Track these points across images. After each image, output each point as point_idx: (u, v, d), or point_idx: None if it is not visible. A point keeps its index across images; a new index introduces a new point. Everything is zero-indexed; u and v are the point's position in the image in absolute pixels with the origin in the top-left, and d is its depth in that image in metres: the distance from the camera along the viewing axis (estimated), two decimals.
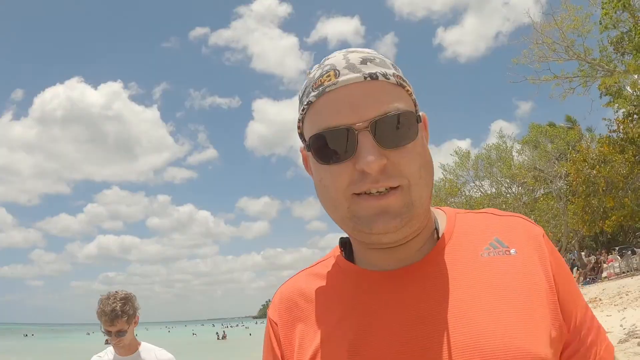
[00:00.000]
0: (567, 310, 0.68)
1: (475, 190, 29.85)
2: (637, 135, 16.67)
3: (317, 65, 0.73)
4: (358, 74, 0.65)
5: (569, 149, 23.53)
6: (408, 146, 0.65)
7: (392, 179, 0.64)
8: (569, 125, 28.22)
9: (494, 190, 28.61)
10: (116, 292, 2.52)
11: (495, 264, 0.69)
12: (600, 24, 16.83)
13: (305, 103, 0.70)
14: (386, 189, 0.64)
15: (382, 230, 0.64)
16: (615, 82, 16.87)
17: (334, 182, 0.66)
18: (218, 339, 49.31)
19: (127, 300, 2.48)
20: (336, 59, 0.69)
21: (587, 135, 27.43)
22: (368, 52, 0.71)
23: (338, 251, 0.80)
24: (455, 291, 0.67)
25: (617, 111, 18.93)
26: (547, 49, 18.24)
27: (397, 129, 0.64)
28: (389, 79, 0.66)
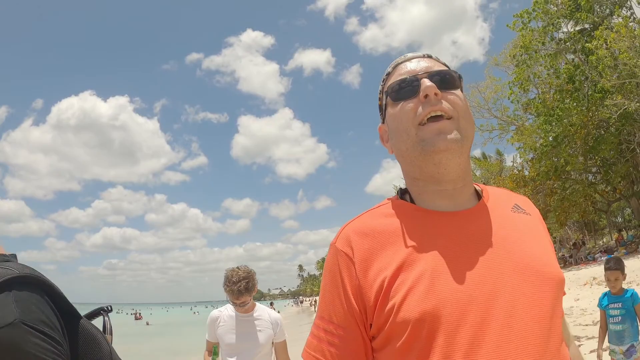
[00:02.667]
0: None
1: None
2: (535, 174, 22.84)
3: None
4: (419, 53, 0.91)
5: (492, 177, 29.66)
6: (454, 91, 0.84)
7: (446, 108, 0.81)
8: (498, 158, 34.51)
9: None
10: (238, 268, 2.75)
11: (521, 218, 0.87)
12: (511, 95, 21.75)
13: (385, 74, 0.93)
14: (442, 114, 0.80)
15: (442, 147, 0.78)
16: (519, 141, 22.37)
17: (405, 114, 0.83)
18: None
19: (249, 278, 2.71)
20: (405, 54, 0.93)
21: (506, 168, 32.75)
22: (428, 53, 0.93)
23: (395, 198, 0.90)
24: (503, 229, 0.82)
25: (522, 156, 24.29)
26: (473, 110, 24.17)
27: (447, 79, 0.84)
28: (438, 59, 0.91)
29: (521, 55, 19.55)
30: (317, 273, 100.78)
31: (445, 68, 0.88)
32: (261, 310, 2.89)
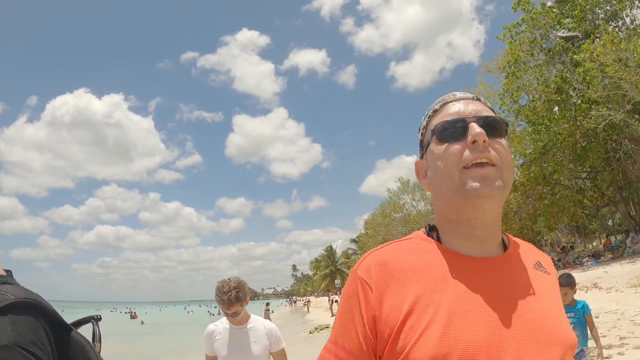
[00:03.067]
0: None
1: (412, 209, 37.07)
2: (524, 180, 23.29)
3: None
4: (469, 95, 0.89)
5: None
6: (501, 140, 0.83)
7: (492, 156, 0.80)
8: None
9: (428, 208, 34.97)
10: (229, 279, 2.77)
11: (542, 277, 0.87)
12: (502, 105, 21.67)
13: (431, 111, 0.91)
14: (488, 161, 0.79)
15: (486, 193, 0.77)
16: (509, 147, 22.53)
17: (451, 155, 0.82)
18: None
19: (240, 288, 2.71)
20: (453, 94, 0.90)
21: None
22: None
23: (422, 234, 0.89)
24: (525, 285, 0.81)
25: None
26: None
27: (494, 127, 0.83)
28: (486, 104, 0.89)
29: (510, 67, 19.92)
30: (310, 273, 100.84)
31: (493, 115, 0.87)
32: (256, 321, 2.92)
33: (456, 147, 0.82)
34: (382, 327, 0.77)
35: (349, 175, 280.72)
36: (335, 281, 76.26)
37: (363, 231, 52.29)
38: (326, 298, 45.41)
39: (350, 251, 74.40)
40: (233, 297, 2.70)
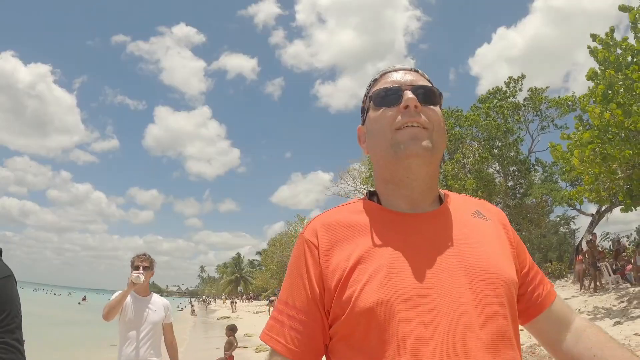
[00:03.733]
0: (522, 260, 0.95)
1: None
2: None
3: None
4: (407, 66, 0.97)
5: None
6: (433, 107, 0.90)
7: (423, 120, 0.87)
8: None
9: None
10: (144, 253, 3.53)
11: (480, 223, 0.93)
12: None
13: (372, 80, 0.98)
14: (418, 124, 0.86)
15: (413, 152, 0.84)
16: None
17: (384, 119, 0.89)
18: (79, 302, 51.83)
19: (153, 260, 3.54)
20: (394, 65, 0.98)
21: None
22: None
23: (363, 199, 0.96)
24: (459, 233, 0.88)
25: None
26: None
27: (428, 95, 0.90)
28: (424, 75, 0.97)
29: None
30: (216, 276, 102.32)
31: (429, 84, 0.94)
32: (156, 296, 3.63)
33: (390, 111, 0.89)
34: (329, 282, 0.83)
35: (263, 183, 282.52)
36: (239, 287, 79.26)
37: (267, 247, 56.19)
38: (231, 301, 47.96)
39: (255, 262, 77.53)
40: (148, 257, 3.52)
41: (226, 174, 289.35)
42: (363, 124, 1.00)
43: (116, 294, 3.36)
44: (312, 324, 0.84)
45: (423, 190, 0.90)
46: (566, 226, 29.64)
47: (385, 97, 0.91)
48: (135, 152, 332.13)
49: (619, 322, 8.40)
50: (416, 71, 0.96)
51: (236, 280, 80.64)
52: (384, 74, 0.96)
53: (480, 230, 0.91)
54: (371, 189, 0.99)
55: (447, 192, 0.98)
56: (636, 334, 7.29)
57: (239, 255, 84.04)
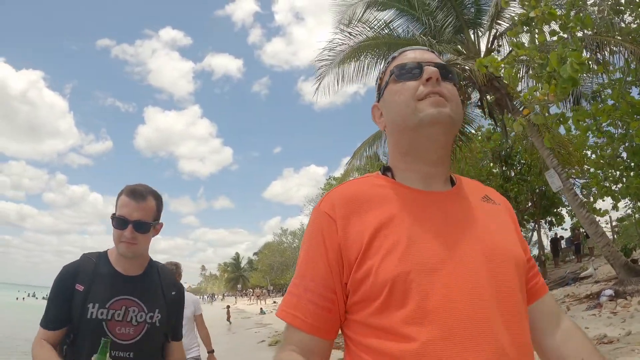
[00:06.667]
0: (524, 248, 0.95)
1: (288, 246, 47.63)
2: None
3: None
4: (424, 47, 0.99)
5: None
6: (454, 85, 0.92)
7: (444, 91, 0.89)
8: None
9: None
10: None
11: (489, 207, 0.94)
12: None
13: (391, 58, 0.99)
14: (440, 95, 0.87)
15: (437, 118, 0.85)
16: None
17: (406, 90, 0.90)
18: None
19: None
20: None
21: None
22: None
23: (377, 174, 0.96)
24: (473, 214, 0.89)
25: None
26: None
27: (448, 74, 0.92)
28: (440, 56, 0.99)
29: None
30: (217, 274, 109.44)
31: (445, 63, 0.94)
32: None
33: (412, 83, 0.90)
34: (348, 254, 0.82)
35: (255, 179, 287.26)
36: (238, 285, 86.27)
37: (262, 250, 63.47)
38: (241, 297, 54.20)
39: (253, 261, 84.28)
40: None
41: (219, 172, 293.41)
42: (378, 101, 1.01)
43: None
44: (330, 295, 0.84)
45: (438, 164, 0.92)
46: None
47: (406, 72, 0.92)
48: (127, 153, 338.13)
49: None
50: (433, 52, 0.99)
51: (236, 279, 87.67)
52: (403, 52, 0.98)
53: (493, 213, 0.94)
54: (385, 165, 0.99)
55: (458, 175, 1.00)
56: None
57: (238, 255, 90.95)
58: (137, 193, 1.67)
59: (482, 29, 11.66)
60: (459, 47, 11.69)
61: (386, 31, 11.74)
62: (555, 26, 5.31)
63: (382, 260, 0.79)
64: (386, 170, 0.97)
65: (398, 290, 0.77)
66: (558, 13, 5.29)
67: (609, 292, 8.48)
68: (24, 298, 62.57)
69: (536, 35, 5.32)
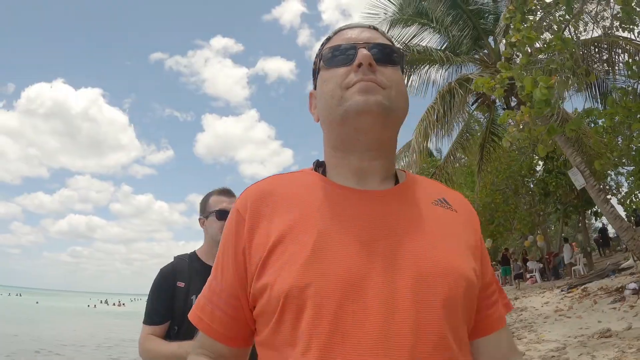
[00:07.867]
0: (485, 270, 0.82)
1: None
2: None
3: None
4: (365, 24, 0.87)
5: None
6: (393, 67, 0.80)
7: (379, 79, 0.76)
8: None
9: None
10: None
11: (443, 213, 0.81)
12: None
13: (325, 39, 0.87)
14: (373, 83, 0.75)
15: (363, 107, 0.74)
16: None
17: (335, 77, 0.79)
18: None
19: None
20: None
21: None
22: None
23: (309, 169, 0.86)
24: (414, 219, 0.76)
25: None
26: None
27: (386, 54, 0.80)
28: (384, 34, 0.85)
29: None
30: None
31: (388, 43, 0.84)
32: None
33: (342, 70, 0.79)
34: (251, 260, 0.74)
35: None
36: None
37: None
38: None
39: None
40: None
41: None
42: (315, 89, 0.89)
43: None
44: (235, 303, 0.76)
45: (373, 159, 0.80)
46: None
47: (337, 56, 0.81)
48: (189, 160, 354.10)
49: None
50: (375, 29, 0.86)
51: None
52: (339, 31, 0.87)
53: (441, 220, 0.80)
54: (319, 160, 0.88)
55: (411, 174, 0.88)
56: None
57: None
58: (226, 191, 2.07)
59: (499, 37, 12.08)
60: (481, 55, 12.13)
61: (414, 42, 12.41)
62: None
63: (281, 270, 0.70)
64: (319, 165, 0.86)
65: (291, 306, 0.67)
66: (543, 35, 5.78)
67: (632, 285, 8.66)
68: (95, 305, 65.40)
69: (518, 58, 5.87)
